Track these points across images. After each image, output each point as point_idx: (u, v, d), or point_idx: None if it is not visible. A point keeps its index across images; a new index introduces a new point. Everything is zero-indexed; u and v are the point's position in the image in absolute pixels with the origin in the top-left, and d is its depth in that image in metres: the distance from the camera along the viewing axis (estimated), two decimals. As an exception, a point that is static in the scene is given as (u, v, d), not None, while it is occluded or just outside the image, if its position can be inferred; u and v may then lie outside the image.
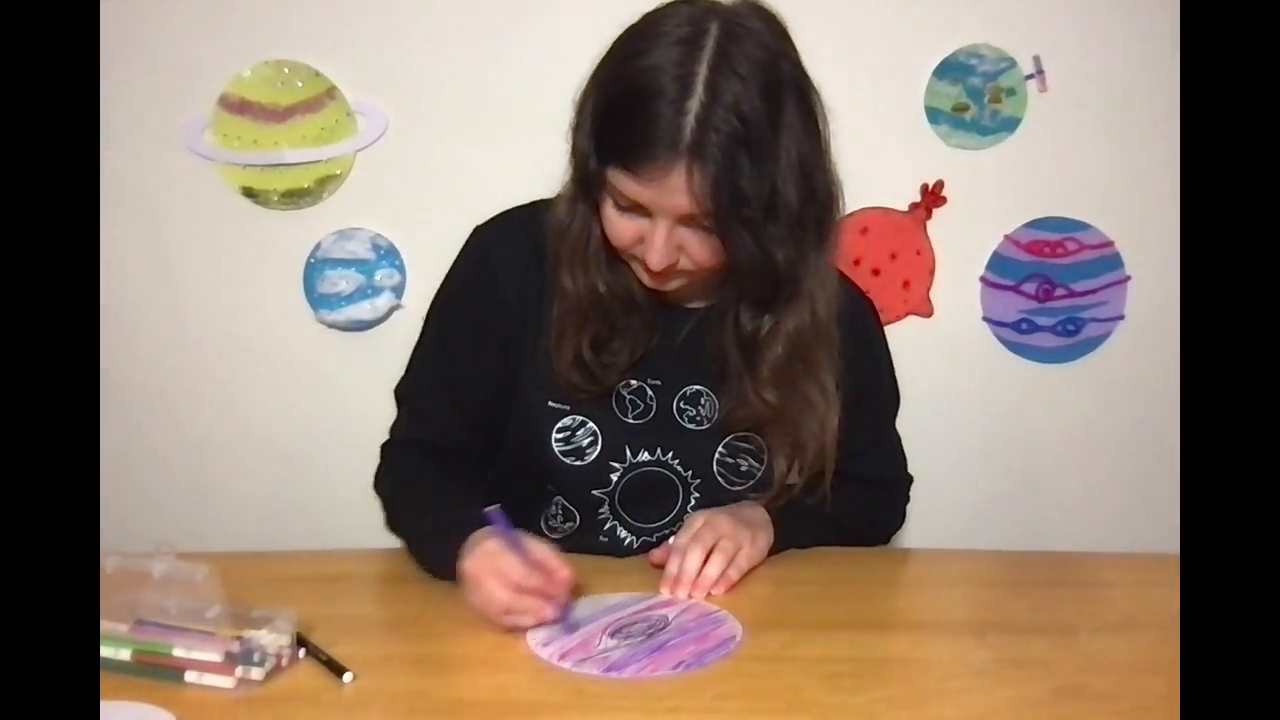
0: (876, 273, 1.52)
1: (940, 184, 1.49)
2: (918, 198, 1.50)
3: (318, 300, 1.51)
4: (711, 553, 0.99)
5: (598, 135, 0.92)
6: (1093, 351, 1.56)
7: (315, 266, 1.51)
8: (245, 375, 1.55)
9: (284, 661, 0.85)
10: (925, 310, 1.54)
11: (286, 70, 1.45)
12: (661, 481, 1.09)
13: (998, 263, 1.52)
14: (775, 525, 1.07)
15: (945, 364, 1.55)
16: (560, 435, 1.07)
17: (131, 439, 1.55)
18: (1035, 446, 1.59)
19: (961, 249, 1.52)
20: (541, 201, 1.05)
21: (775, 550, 1.07)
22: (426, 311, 1.12)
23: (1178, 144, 0.73)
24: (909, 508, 1.25)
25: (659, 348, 1.07)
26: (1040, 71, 1.46)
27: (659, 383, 1.08)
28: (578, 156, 0.96)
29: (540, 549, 0.92)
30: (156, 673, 0.83)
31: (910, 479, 1.24)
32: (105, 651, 0.83)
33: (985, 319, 1.55)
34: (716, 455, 1.09)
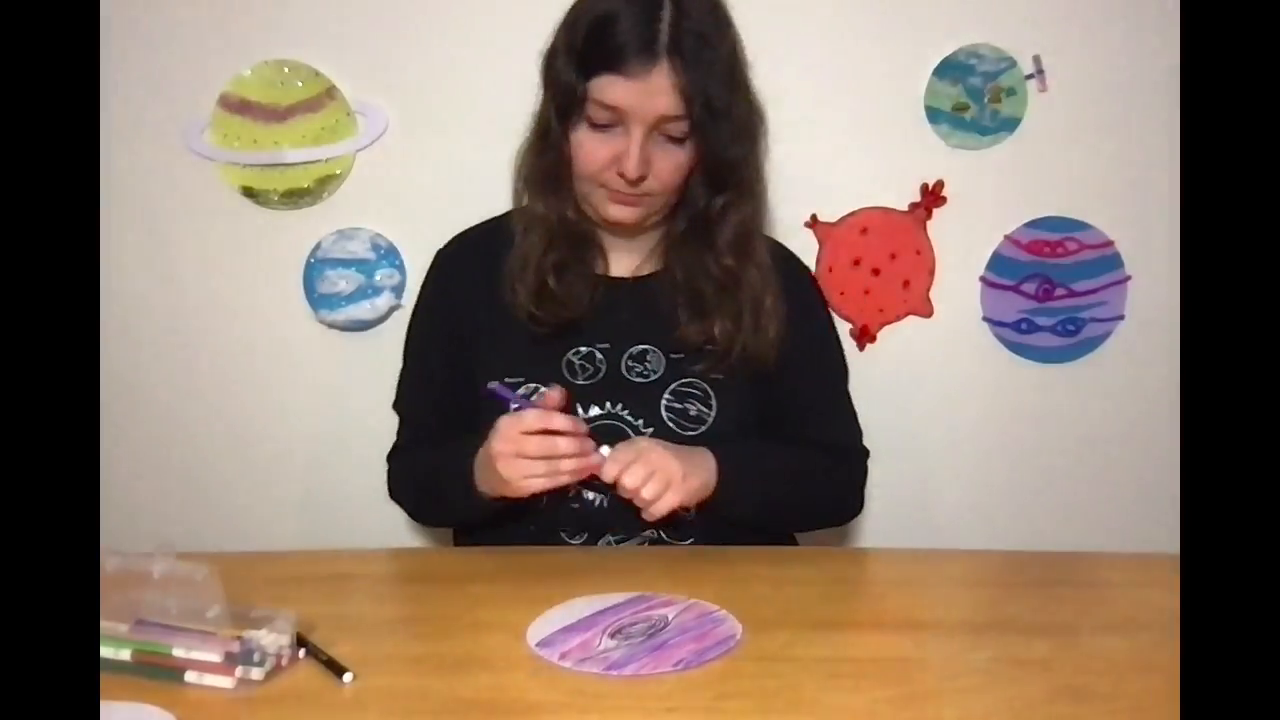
0: (876, 273, 1.52)
1: (940, 184, 1.49)
2: (918, 198, 1.50)
3: (318, 300, 1.51)
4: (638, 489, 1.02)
5: (580, 54, 1.04)
6: (1093, 351, 1.56)
7: (315, 266, 1.51)
8: (245, 375, 1.55)
9: (284, 661, 0.85)
10: (925, 310, 1.54)
11: (286, 70, 1.45)
12: (615, 434, 1.13)
13: (998, 263, 1.52)
14: (721, 471, 1.08)
15: (945, 364, 1.55)
16: (517, 407, 1.10)
17: (131, 439, 1.55)
18: (1035, 446, 1.59)
19: (961, 249, 1.52)
20: (495, 218, 1.19)
21: (716, 499, 1.07)
22: (406, 333, 1.26)
23: (1178, 144, 0.73)
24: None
25: (602, 317, 1.15)
26: (1040, 71, 1.46)
27: (607, 345, 1.16)
28: (556, 83, 1.07)
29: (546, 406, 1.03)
30: (156, 673, 0.83)
31: (866, 452, 1.25)
32: (105, 651, 0.83)
33: (985, 319, 1.54)
34: (664, 402, 1.14)
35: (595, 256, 1.18)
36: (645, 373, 1.16)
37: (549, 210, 1.13)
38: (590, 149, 1.07)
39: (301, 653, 0.87)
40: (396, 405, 1.26)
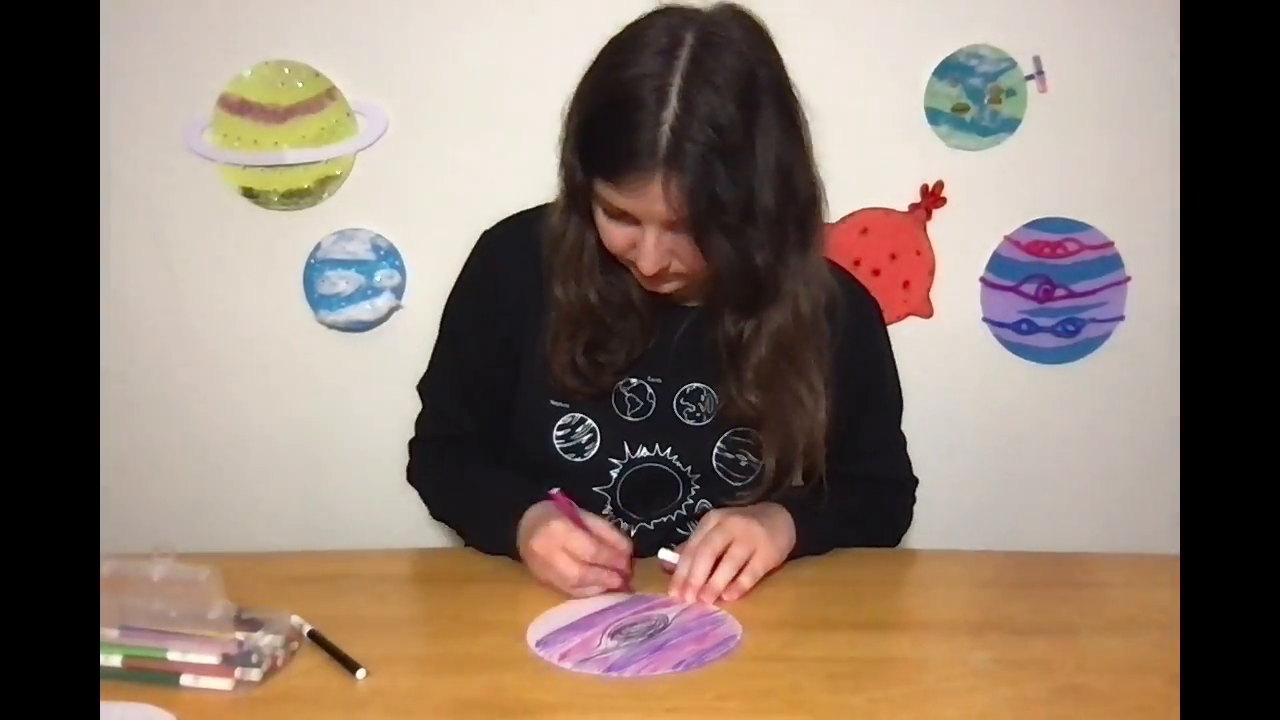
0: (876, 273, 1.51)
1: (940, 184, 1.49)
2: (918, 198, 1.50)
3: (318, 301, 1.51)
4: (722, 558, 0.98)
5: (582, 148, 0.94)
6: (1093, 352, 1.56)
7: (315, 267, 1.51)
8: (245, 375, 1.55)
9: (279, 662, 0.85)
10: (925, 311, 1.54)
11: (286, 70, 1.45)
12: (661, 477, 1.10)
13: (998, 263, 1.52)
14: (798, 526, 1.06)
15: (945, 364, 1.55)
16: (560, 433, 1.08)
17: (131, 439, 1.55)
18: (1035, 446, 1.59)
19: (961, 249, 1.52)
20: (548, 204, 1.06)
21: (797, 553, 1.05)
22: (441, 312, 1.17)
23: (1178, 144, 0.73)
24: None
25: (657, 346, 1.08)
26: (1040, 72, 1.46)
27: (659, 380, 1.09)
28: (566, 169, 0.98)
29: (600, 525, 0.99)
30: (149, 677, 0.82)
31: (916, 480, 1.24)
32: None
33: (985, 319, 1.54)
34: (715, 451, 1.10)
35: (635, 320, 1.07)
36: (698, 414, 1.09)
37: (568, 295, 1.03)
38: (611, 236, 0.97)
39: (294, 652, 0.86)
40: (421, 385, 1.19)
